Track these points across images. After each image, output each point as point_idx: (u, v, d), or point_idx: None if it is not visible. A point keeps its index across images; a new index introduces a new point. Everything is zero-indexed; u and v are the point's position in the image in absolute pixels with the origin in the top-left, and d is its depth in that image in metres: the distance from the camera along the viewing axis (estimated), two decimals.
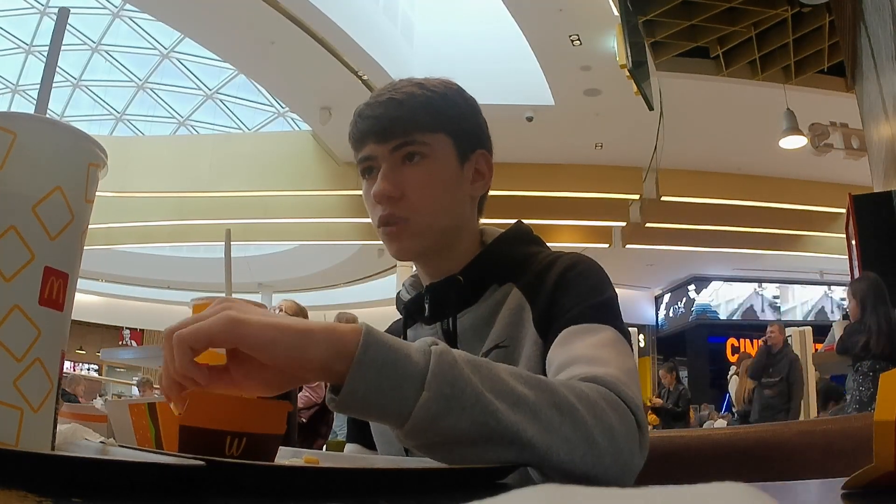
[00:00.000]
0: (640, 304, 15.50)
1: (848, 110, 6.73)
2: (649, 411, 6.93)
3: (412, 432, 0.54)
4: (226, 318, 0.52)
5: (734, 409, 6.98)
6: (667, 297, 15.80)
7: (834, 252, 10.89)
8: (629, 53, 6.58)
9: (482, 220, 0.98)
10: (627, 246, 11.16)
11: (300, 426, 3.90)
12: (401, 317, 0.98)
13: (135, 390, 11.02)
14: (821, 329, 6.90)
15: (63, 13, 0.51)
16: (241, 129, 14.67)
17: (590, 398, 0.61)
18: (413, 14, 9.42)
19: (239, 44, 8.30)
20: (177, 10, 7.86)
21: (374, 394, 0.53)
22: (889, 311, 3.54)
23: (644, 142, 9.07)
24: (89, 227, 0.47)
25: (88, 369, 17.70)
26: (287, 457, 0.65)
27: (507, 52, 8.56)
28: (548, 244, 0.97)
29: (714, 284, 14.67)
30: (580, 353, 0.71)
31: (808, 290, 14.53)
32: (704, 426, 7.74)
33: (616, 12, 6.83)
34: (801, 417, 6.32)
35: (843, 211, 5.42)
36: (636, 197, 10.10)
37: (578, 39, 7.57)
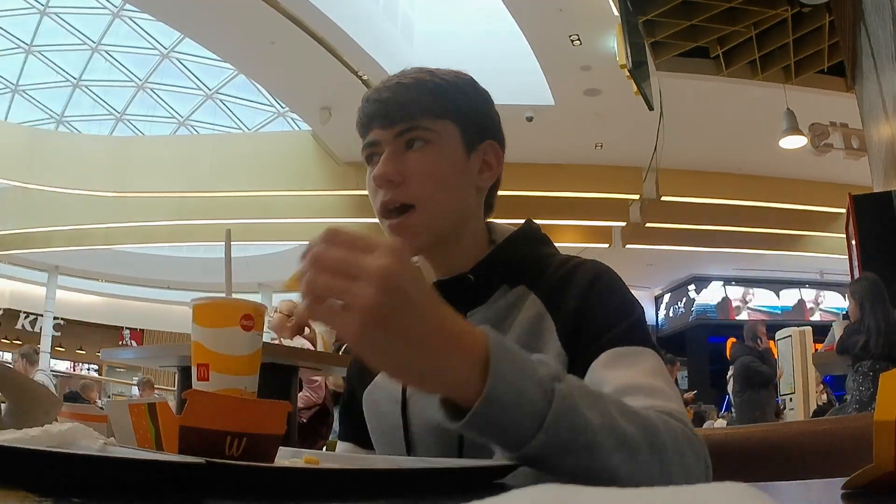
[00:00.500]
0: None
1: (848, 110, 6.73)
2: None
3: (518, 458, 0.55)
4: (360, 323, 0.49)
5: (734, 410, 7.00)
6: (667, 297, 15.80)
7: (834, 252, 10.89)
8: (629, 53, 6.58)
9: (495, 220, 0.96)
10: (627, 246, 11.16)
11: (300, 426, 3.90)
12: None
13: (135, 390, 11.02)
14: (821, 329, 6.90)
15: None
16: (241, 129, 14.67)
17: (678, 439, 0.62)
18: (413, 14, 9.42)
19: (239, 44, 8.30)
20: (177, 10, 7.86)
21: (493, 427, 0.53)
22: (888, 311, 3.53)
23: (644, 142, 9.07)
24: (89, 227, 0.47)
25: (88, 369, 17.70)
26: (287, 457, 0.65)
27: (507, 52, 8.56)
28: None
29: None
30: (640, 381, 0.70)
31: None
32: (704, 426, 7.73)
33: (616, 12, 6.83)
34: (801, 417, 6.32)
35: (843, 211, 5.42)
36: (636, 197, 10.10)
37: (578, 39, 7.57)
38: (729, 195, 10.47)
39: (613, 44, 7.28)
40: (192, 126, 15.21)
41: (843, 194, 5.36)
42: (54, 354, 15.57)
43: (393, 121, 0.84)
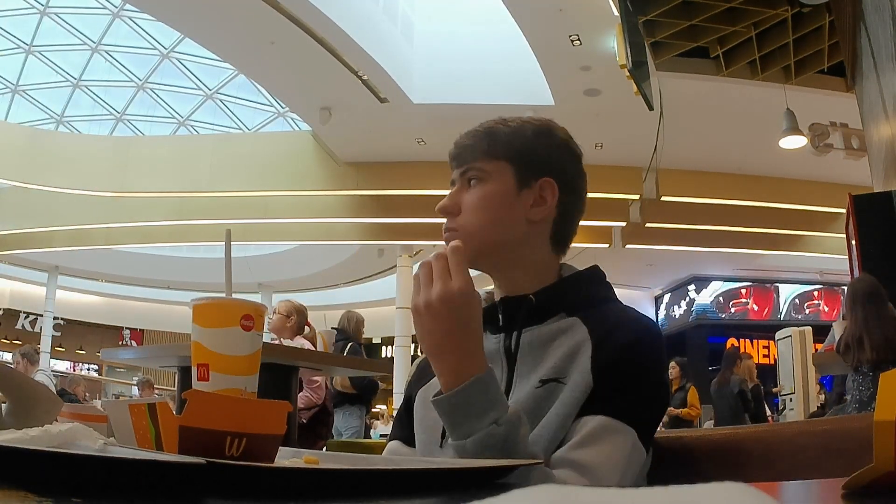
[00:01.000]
0: (640, 304, 15.49)
1: (848, 110, 6.72)
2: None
3: (455, 446, 0.80)
4: (416, 306, 0.82)
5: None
6: (667, 298, 15.81)
7: (834, 252, 10.89)
8: (629, 53, 6.58)
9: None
10: (627, 246, 11.16)
11: (299, 427, 3.90)
12: None
13: (135, 390, 11.02)
14: (821, 329, 6.90)
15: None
16: (241, 129, 14.67)
17: None
18: (413, 14, 9.42)
19: (239, 44, 8.30)
20: (177, 10, 7.86)
21: (448, 415, 0.81)
22: (884, 311, 3.51)
23: (644, 142, 9.07)
24: (89, 227, 0.47)
25: (88, 369, 17.70)
26: (287, 457, 0.65)
27: (507, 52, 8.56)
28: (568, 245, 1.06)
29: None
30: (593, 463, 0.82)
31: None
32: (705, 426, 7.74)
33: (616, 12, 6.83)
34: (801, 417, 6.32)
35: (843, 211, 5.42)
36: (636, 197, 10.10)
37: (578, 39, 7.57)
38: (729, 195, 10.47)
39: (613, 44, 7.28)
40: (192, 126, 15.21)
41: (843, 194, 5.35)
42: (54, 354, 15.57)
43: (460, 162, 1.01)
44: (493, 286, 1.06)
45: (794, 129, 6.95)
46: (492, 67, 8.92)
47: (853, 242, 4.92)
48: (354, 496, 0.46)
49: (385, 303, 14.46)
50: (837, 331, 4.18)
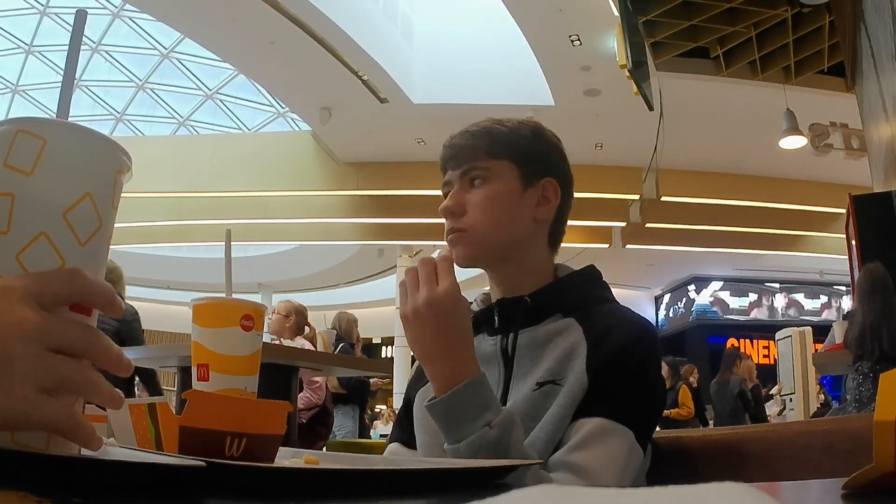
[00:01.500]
0: (640, 304, 15.50)
1: (848, 110, 6.72)
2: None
3: (449, 449, 0.81)
4: (403, 314, 0.82)
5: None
6: (667, 298, 15.81)
7: (834, 252, 10.89)
8: (629, 53, 6.58)
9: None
10: (627, 246, 11.16)
11: (299, 427, 3.90)
12: None
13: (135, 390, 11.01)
14: (821, 329, 6.89)
15: (80, 16, 0.51)
16: (241, 129, 14.67)
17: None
18: (413, 14, 9.42)
19: (239, 44, 8.30)
20: (177, 10, 7.87)
21: (442, 420, 0.81)
22: (888, 306, 3.45)
23: (644, 142, 9.07)
24: None
25: None
26: (287, 457, 0.65)
27: (507, 52, 8.57)
28: (559, 245, 1.06)
29: None
30: (589, 464, 0.82)
31: None
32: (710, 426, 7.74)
33: (616, 12, 6.83)
34: (801, 418, 6.32)
35: (843, 211, 5.42)
36: (636, 197, 10.10)
37: (578, 39, 7.57)
38: (729, 195, 10.48)
39: (613, 44, 7.28)
40: (192, 126, 15.20)
41: (843, 194, 5.35)
42: None
43: (459, 162, 0.99)
44: (488, 288, 1.06)
45: (794, 130, 6.95)
46: (492, 67, 8.92)
47: (853, 242, 4.92)
48: (354, 496, 0.46)
49: (385, 303, 14.46)
50: (838, 330, 4.17)
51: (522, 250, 0.99)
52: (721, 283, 14.75)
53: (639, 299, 15.49)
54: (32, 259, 0.41)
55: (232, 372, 0.70)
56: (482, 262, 0.99)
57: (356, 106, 9.11)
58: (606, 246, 11.09)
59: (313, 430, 4.11)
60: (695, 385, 7.41)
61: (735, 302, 14.81)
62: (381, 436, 7.95)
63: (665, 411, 6.97)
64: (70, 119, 0.46)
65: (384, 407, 13.90)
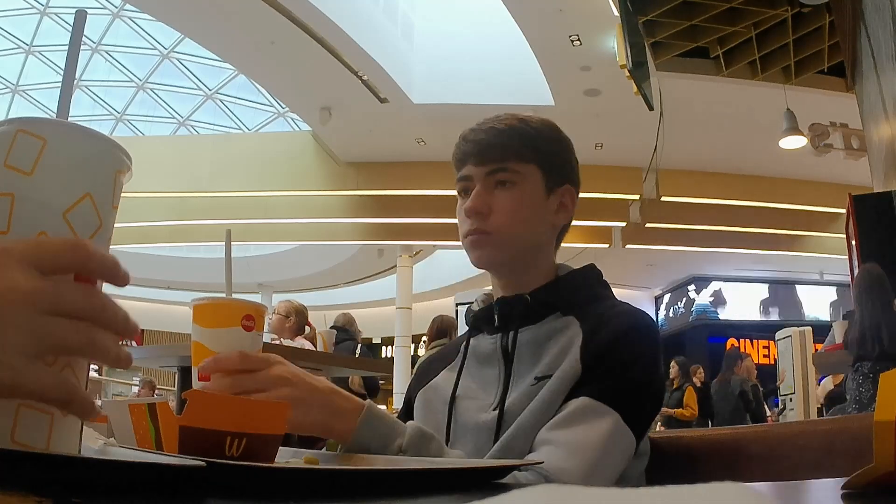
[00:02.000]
0: (640, 304, 15.46)
1: (848, 110, 6.72)
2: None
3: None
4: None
5: None
6: (667, 298, 15.80)
7: (834, 252, 10.89)
8: (629, 53, 6.58)
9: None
10: (627, 246, 11.16)
11: None
12: (460, 335, 1.10)
13: (135, 390, 11.01)
14: (821, 329, 6.89)
15: (80, 16, 0.51)
16: (241, 129, 14.67)
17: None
18: (413, 14, 9.42)
19: (239, 44, 8.29)
20: (177, 10, 7.87)
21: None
22: (887, 305, 3.44)
23: (644, 142, 9.07)
24: None
25: (88, 369, 17.67)
26: (287, 457, 0.65)
27: (507, 52, 8.56)
28: (560, 246, 1.06)
29: None
30: (568, 440, 0.82)
31: None
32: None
33: (616, 12, 6.83)
34: (801, 418, 6.32)
35: (843, 211, 5.42)
36: (636, 197, 10.10)
37: (578, 39, 7.57)
38: (729, 195, 10.47)
39: (613, 44, 7.28)
40: (192, 126, 15.20)
41: (843, 194, 5.35)
42: None
43: (485, 160, 0.96)
44: (489, 288, 1.06)
45: (794, 130, 6.95)
46: (492, 67, 8.92)
47: (853, 242, 4.92)
48: (354, 496, 0.46)
49: (385, 303, 14.45)
50: (838, 330, 4.16)
51: (537, 255, 1.00)
52: (721, 283, 14.75)
53: (639, 299, 15.48)
54: None
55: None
56: (501, 266, 0.99)
57: (356, 106, 9.11)
58: (606, 246, 11.08)
59: None
60: (699, 385, 7.41)
61: (735, 302, 14.80)
62: None
63: (669, 410, 6.97)
64: (70, 119, 0.46)
65: (384, 407, 13.90)
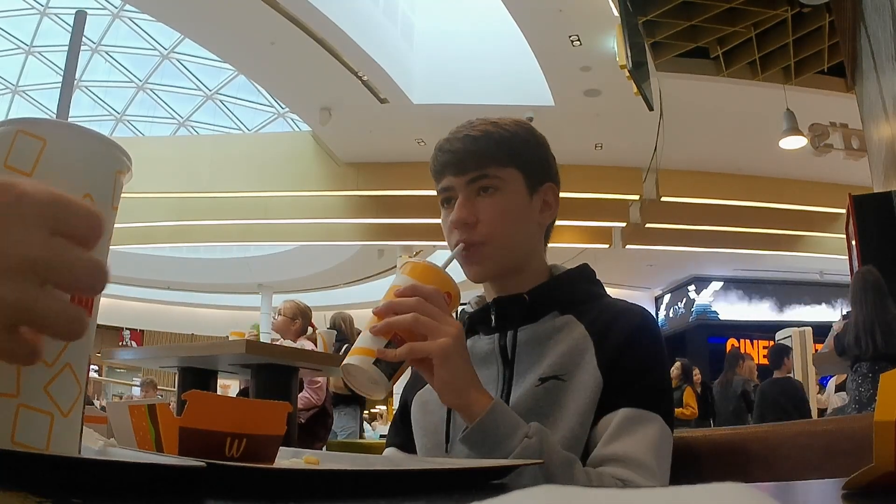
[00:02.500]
0: (639, 304, 15.47)
1: (848, 110, 6.73)
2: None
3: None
4: (445, 350, 0.78)
5: None
6: (667, 298, 15.80)
7: (834, 252, 10.88)
8: (629, 54, 6.58)
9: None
10: (627, 246, 11.16)
11: (298, 427, 3.89)
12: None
13: (135, 391, 11.02)
14: (821, 329, 6.90)
15: (79, 17, 0.51)
16: (241, 129, 14.67)
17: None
18: (413, 14, 9.42)
19: (239, 44, 8.29)
20: (177, 10, 7.86)
21: (479, 447, 0.80)
22: (883, 306, 3.45)
23: (644, 142, 9.07)
24: None
25: (88, 370, 17.67)
26: (287, 457, 0.65)
27: (507, 52, 8.56)
28: (548, 244, 1.07)
29: None
30: (630, 454, 0.83)
31: None
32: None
33: (616, 13, 6.83)
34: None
35: (843, 211, 5.42)
36: (636, 197, 10.10)
37: (578, 40, 7.57)
38: (729, 195, 10.47)
39: (613, 44, 7.28)
40: (191, 127, 15.20)
41: (843, 194, 5.35)
42: None
43: (464, 169, 0.96)
44: (482, 290, 1.06)
45: (794, 130, 6.95)
46: (492, 67, 8.92)
47: (853, 243, 4.92)
48: (354, 497, 0.46)
49: None
50: (837, 331, 4.16)
51: (529, 256, 1.00)
52: (721, 283, 14.75)
53: (639, 299, 15.48)
54: None
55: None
56: (498, 276, 0.99)
57: (356, 106, 9.11)
58: (606, 246, 11.08)
59: (312, 432, 4.09)
60: (698, 388, 7.41)
61: (735, 302, 14.80)
62: (381, 436, 7.94)
63: None
64: (70, 120, 0.46)
65: (384, 407, 13.90)
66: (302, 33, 7.67)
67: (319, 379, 4.09)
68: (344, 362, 0.79)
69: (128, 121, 15.47)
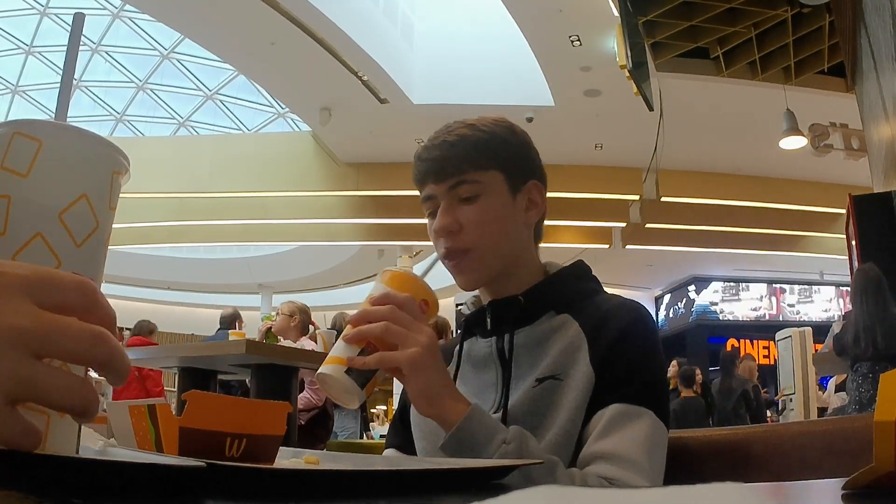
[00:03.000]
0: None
1: (848, 110, 6.73)
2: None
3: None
4: (415, 360, 0.77)
5: None
6: (667, 298, 15.80)
7: (834, 252, 10.89)
8: (629, 54, 6.58)
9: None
10: (627, 246, 11.16)
11: (298, 429, 3.89)
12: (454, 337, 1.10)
13: None
14: (821, 329, 6.90)
15: (78, 19, 0.51)
16: (241, 129, 14.67)
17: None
18: (413, 14, 9.43)
19: (239, 44, 8.30)
20: (177, 10, 7.86)
21: (457, 453, 0.78)
22: (882, 304, 3.44)
23: (644, 142, 9.07)
24: None
25: (88, 370, 17.67)
26: (287, 457, 0.65)
27: (507, 52, 8.56)
28: (548, 245, 1.01)
29: None
30: (620, 452, 0.82)
31: None
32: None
33: (616, 13, 6.83)
34: (801, 418, 6.32)
35: (843, 211, 5.43)
36: (636, 197, 10.10)
37: (578, 40, 7.57)
38: (729, 195, 10.47)
39: (613, 44, 7.28)
40: (192, 127, 15.20)
41: (843, 194, 5.36)
42: None
43: (444, 176, 0.95)
44: (476, 292, 1.05)
45: (794, 130, 6.95)
46: (492, 68, 8.92)
47: (853, 243, 4.93)
48: (354, 497, 0.46)
49: None
50: (837, 331, 4.16)
51: (520, 257, 0.99)
52: (721, 284, 14.75)
53: (639, 299, 15.13)
54: (28, 260, 0.41)
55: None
56: (489, 281, 0.98)
57: (356, 106, 9.11)
58: (606, 246, 11.08)
59: (312, 433, 4.08)
60: (699, 388, 7.41)
61: (735, 302, 14.80)
62: (381, 436, 7.94)
63: None
64: (70, 120, 0.46)
65: (384, 407, 13.91)
66: (302, 33, 7.67)
67: None
68: (318, 371, 0.78)
69: (128, 121, 15.47)
